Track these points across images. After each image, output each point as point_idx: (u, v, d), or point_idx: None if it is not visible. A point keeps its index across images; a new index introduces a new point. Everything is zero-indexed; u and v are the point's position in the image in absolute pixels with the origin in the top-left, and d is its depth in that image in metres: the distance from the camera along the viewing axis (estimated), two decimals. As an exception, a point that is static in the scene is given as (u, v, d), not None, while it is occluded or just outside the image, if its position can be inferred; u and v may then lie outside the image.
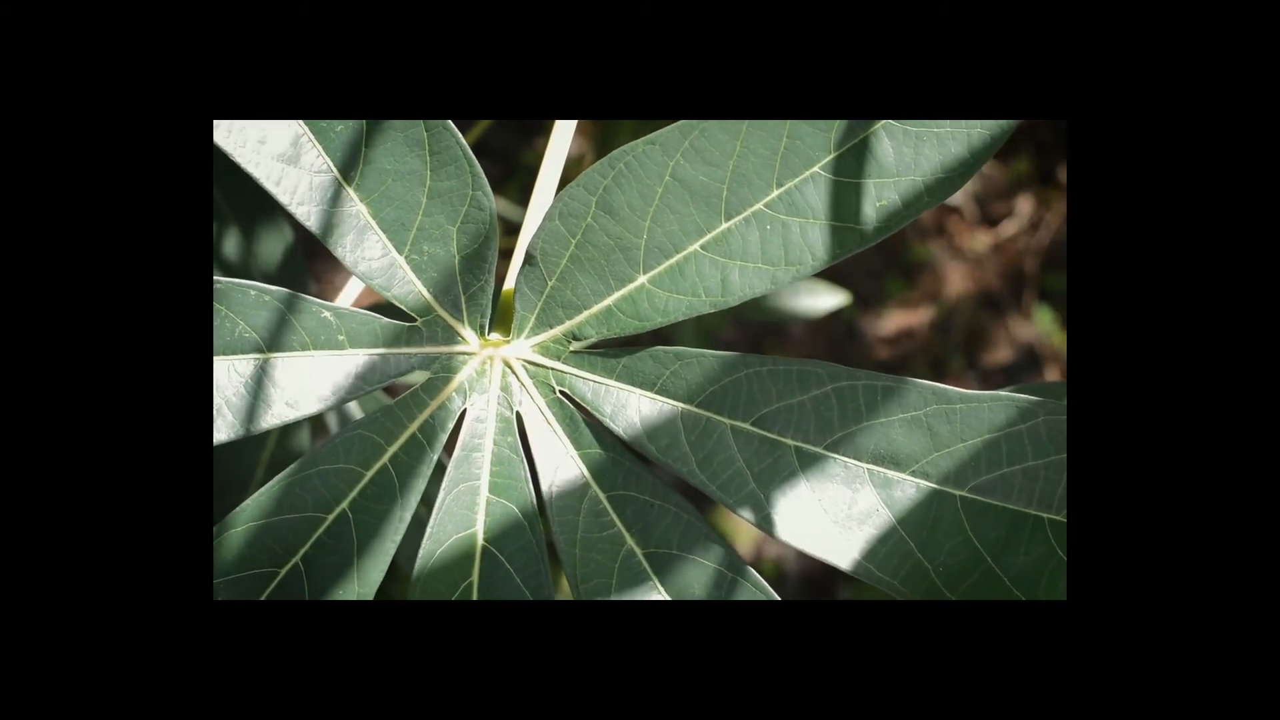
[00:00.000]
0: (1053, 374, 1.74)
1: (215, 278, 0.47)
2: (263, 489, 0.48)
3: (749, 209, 0.46)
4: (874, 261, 1.82)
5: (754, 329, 1.76)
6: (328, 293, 1.68)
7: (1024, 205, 1.82)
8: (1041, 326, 1.77)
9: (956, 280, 1.80)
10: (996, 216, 1.83)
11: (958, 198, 1.84)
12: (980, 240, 1.82)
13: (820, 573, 1.67)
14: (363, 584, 0.49)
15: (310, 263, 1.66)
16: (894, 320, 1.79)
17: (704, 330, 1.21)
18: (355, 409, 0.84)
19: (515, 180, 1.77)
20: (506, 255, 0.54)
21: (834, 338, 1.78)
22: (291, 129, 0.47)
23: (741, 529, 1.64)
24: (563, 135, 0.54)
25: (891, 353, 1.77)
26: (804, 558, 1.67)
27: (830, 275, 1.78)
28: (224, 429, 0.47)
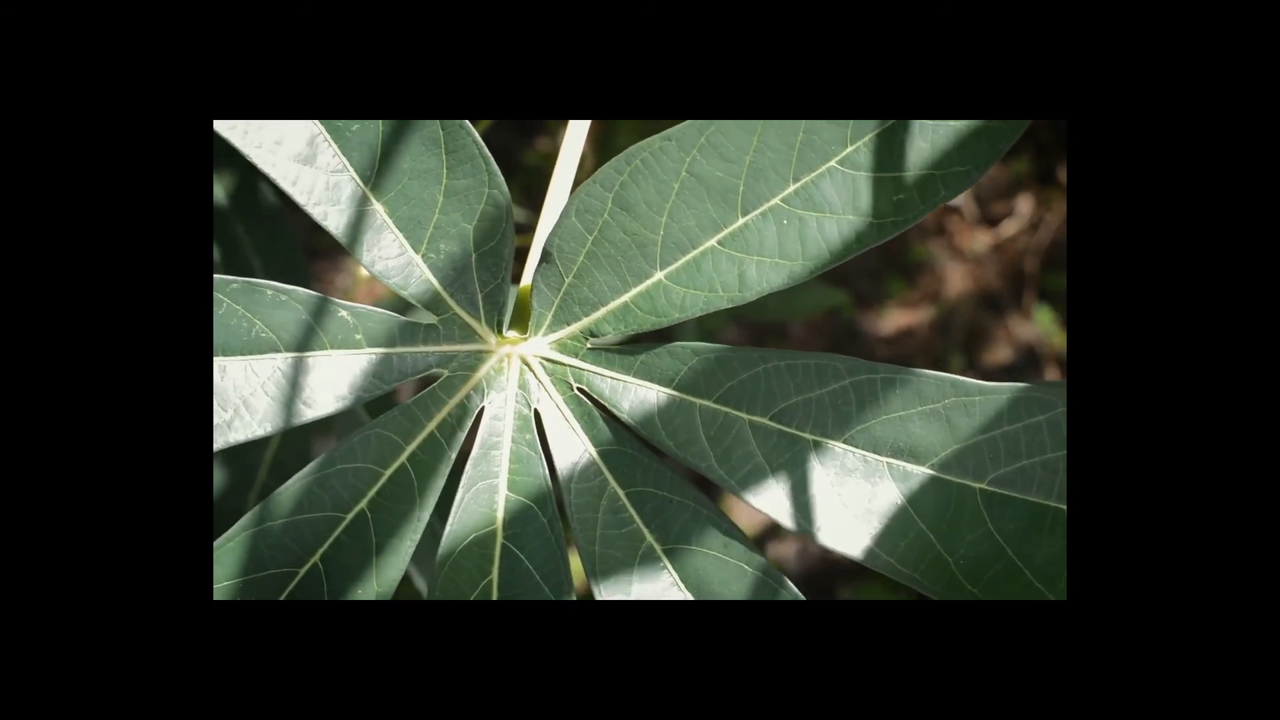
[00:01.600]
0: (1052, 374, 1.74)
1: (232, 278, 0.47)
2: (281, 488, 0.48)
3: (766, 204, 0.46)
4: (874, 261, 1.82)
5: (755, 329, 1.76)
6: (328, 293, 1.67)
7: (1024, 205, 1.82)
8: (1041, 326, 1.77)
9: (956, 280, 1.80)
10: (996, 216, 1.84)
11: (958, 198, 1.84)
12: (980, 240, 1.82)
13: (821, 571, 1.67)
14: (381, 583, 0.49)
15: (311, 263, 1.66)
16: (894, 320, 1.80)
17: (705, 330, 1.22)
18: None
19: (516, 180, 1.77)
20: (515, 255, 0.54)
21: (835, 337, 1.78)
22: (308, 129, 0.47)
23: (742, 523, 1.64)
24: (576, 135, 0.54)
25: (892, 353, 1.77)
26: (804, 557, 1.67)
27: (830, 274, 1.78)
28: (242, 430, 0.47)
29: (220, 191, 0.87)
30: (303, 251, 0.91)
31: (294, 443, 0.88)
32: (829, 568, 1.66)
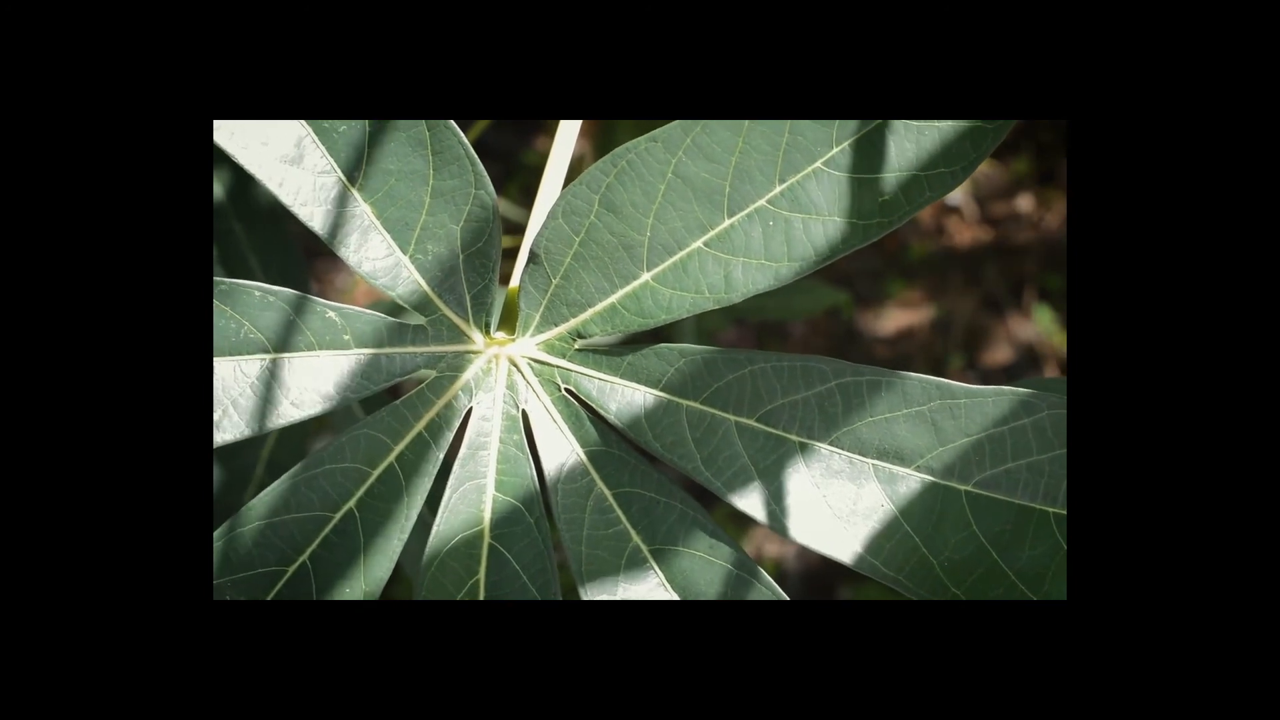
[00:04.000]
0: (1052, 373, 1.74)
1: (219, 278, 0.48)
2: (269, 488, 0.48)
3: (751, 205, 0.47)
4: (874, 261, 1.82)
5: (755, 329, 1.76)
6: (329, 293, 1.68)
7: (1024, 205, 1.82)
8: (1041, 326, 1.77)
9: (957, 280, 1.80)
10: (996, 216, 1.84)
11: (957, 197, 1.84)
12: (980, 240, 1.82)
13: (821, 571, 1.67)
14: (369, 582, 0.49)
15: (311, 262, 1.67)
16: (894, 320, 1.80)
17: (704, 330, 1.22)
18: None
19: (515, 180, 1.78)
20: (508, 255, 0.54)
21: (834, 338, 1.78)
22: (294, 130, 0.47)
23: (741, 525, 1.64)
24: (567, 135, 0.54)
25: (891, 353, 1.77)
26: (805, 556, 1.67)
27: (830, 275, 1.78)
28: (230, 429, 0.48)
29: (219, 189, 0.87)
30: (302, 250, 0.91)
31: (290, 441, 0.88)
32: (830, 568, 1.66)
